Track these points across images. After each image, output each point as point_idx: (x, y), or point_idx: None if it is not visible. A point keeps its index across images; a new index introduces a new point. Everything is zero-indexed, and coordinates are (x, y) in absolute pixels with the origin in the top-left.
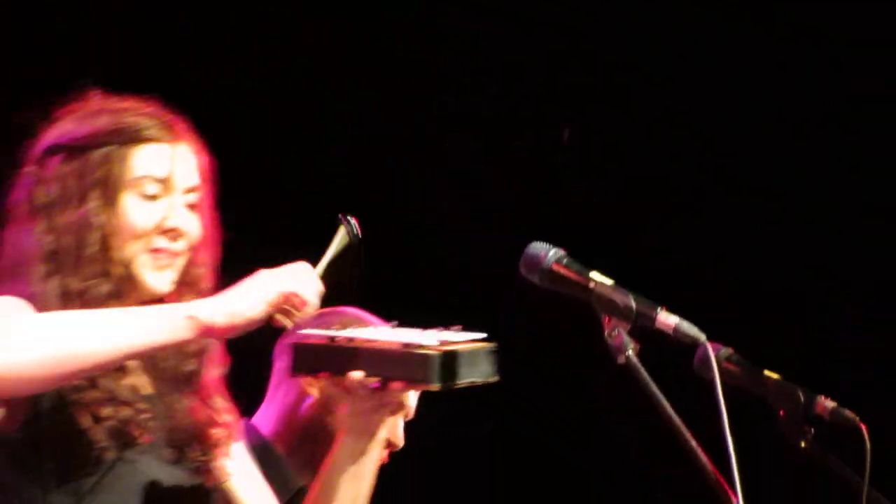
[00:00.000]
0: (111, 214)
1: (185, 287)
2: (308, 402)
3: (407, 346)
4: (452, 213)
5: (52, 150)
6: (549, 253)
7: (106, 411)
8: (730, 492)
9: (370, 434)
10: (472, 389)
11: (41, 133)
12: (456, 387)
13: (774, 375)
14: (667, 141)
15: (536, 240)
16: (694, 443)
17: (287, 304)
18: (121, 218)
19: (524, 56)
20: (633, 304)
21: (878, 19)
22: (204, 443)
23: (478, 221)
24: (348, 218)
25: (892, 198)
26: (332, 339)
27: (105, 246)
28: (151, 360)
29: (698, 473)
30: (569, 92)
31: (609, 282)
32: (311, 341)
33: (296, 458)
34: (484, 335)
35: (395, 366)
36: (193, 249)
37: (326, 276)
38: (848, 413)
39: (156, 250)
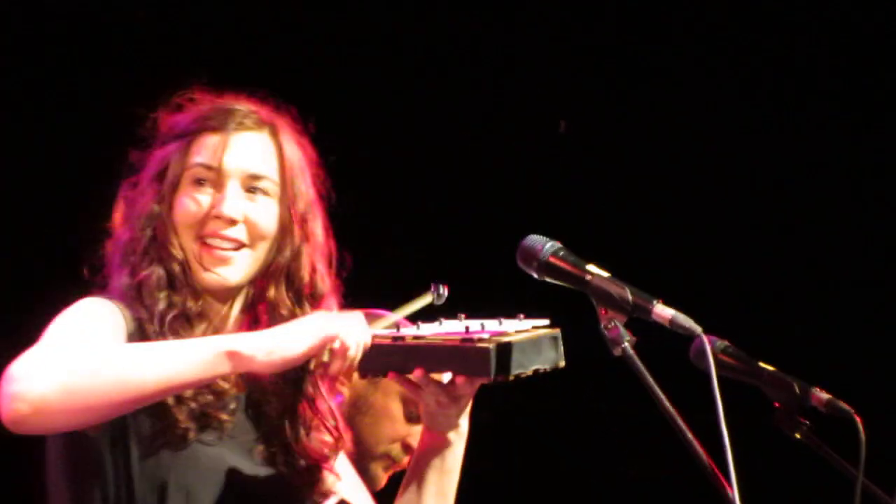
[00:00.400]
0: (170, 206)
1: (273, 279)
2: (338, 400)
3: (465, 340)
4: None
5: (145, 143)
6: (545, 245)
7: (189, 394)
8: (725, 483)
9: (449, 427)
10: (540, 375)
11: (151, 124)
12: (521, 376)
13: (770, 367)
14: (662, 135)
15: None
16: (690, 434)
17: (330, 348)
18: (175, 208)
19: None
20: (630, 297)
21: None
22: (298, 449)
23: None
24: (440, 286)
25: (883, 190)
26: (395, 338)
27: (160, 236)
28: None
29: (694, 464)
30: (566, 83)
31: (605, 274)
32: (375, 342)
33: None
34: (546, 322)
35: (454, 361)
36: (266, 240)
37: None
38: (843, 405)
39: (208, 242)
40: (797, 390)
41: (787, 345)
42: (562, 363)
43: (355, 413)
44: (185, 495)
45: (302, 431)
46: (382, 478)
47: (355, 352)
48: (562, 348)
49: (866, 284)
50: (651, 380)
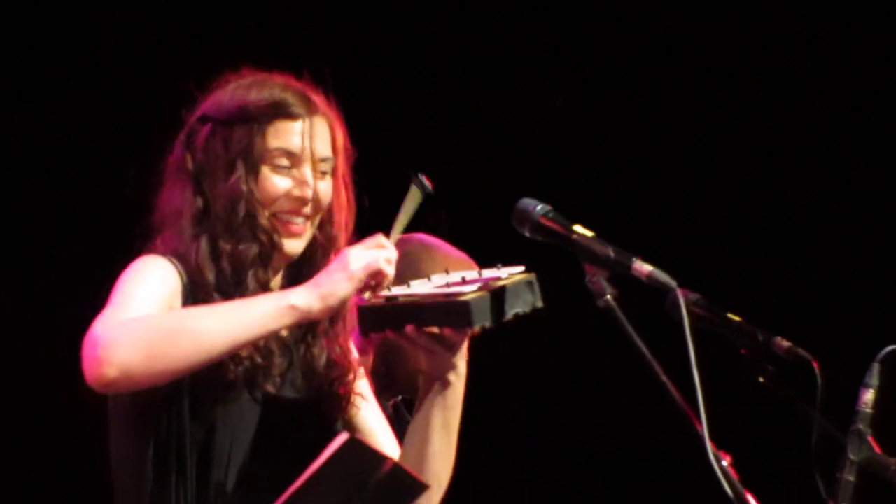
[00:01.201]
0: (254, 185)
1: (320, 247)
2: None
3: (447, 296)
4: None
5: (204, 120)
6: (536, 207)
7: (244, 353)
8: (696, 421)
9: (448, 370)
10: (521, 318)
11: (198, 102)
12: (503, 321)
13: (737, 318)
14: (645, 102)
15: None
16: (665, 377)
17: (371, 280)
18: (261, 188)
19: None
20: (612, 254)
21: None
22: (336, 383)
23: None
24: (418, 174)
25: (853, 146)
26: (389, 298)
27: (251, 213)
28: None
29: (669, 404)
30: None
31: (590, 234)
32: (371, 304)
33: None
34: (522, 268)
35: (440, 315)
36: (327, 212)
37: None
38: (802, 352)
39: (287, 220)
40: (761, 338)
41: (753, 299)
42: (539, 304)
43: (392, 360)
44: (229, 443)
45: (333, 369)
46: None
47: (392, 271)
48: (538, 291)
49: (827, 246)
50: (630, 328)
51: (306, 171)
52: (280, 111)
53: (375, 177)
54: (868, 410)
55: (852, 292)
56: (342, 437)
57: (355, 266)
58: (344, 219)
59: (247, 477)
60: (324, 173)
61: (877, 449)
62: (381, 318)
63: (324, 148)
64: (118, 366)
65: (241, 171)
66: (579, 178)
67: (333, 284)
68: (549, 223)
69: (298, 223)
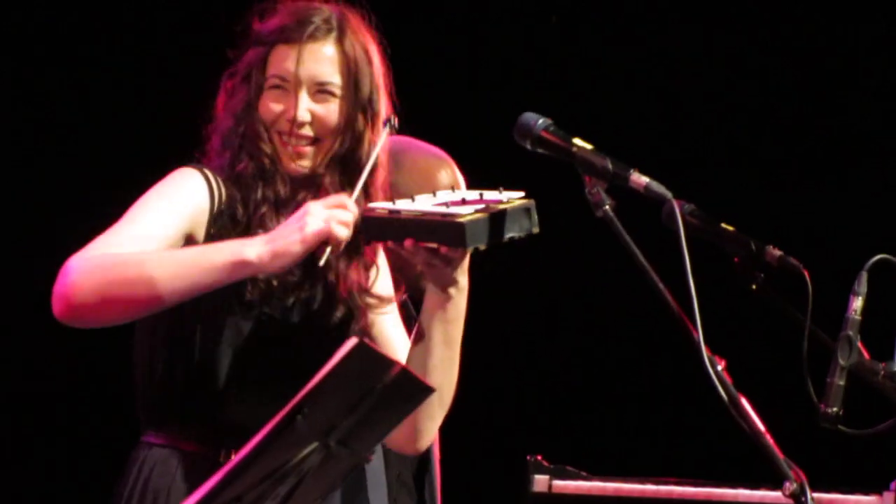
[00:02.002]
0: (255, 106)
1: (329, 167)
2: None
3: (444, 216)
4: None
5: (239, 47)
6: (538, 122)
7: (262, 275)
8: (691, 327)
9: (448, 284)
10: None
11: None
12: (498, 243)
13: (730, 228)
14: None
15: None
16: (662, 285)
17: (325, 239)
18: (261, 110)
19: None
20: (610, 166)
21: None
22: (354, 298)
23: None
24: (389, 118)
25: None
26: (391, 211)
27: (253, 133)
28: None
29: (665, 311)
30: None
31: (589, 147)
32: (375, 214)
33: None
34: (522, 193)
35: (437, 233)
36: (332, 134)
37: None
38: (793, 260)
39: (284, 139)
40: (753, 247)
41: (746, 209)
42: (536, 230)
43: (400, 260)
44: (240, 354)
45: (351, 289)
46: None
47: (347, 233)
48: (535, 217)
49: (818, 157)
50: (628, 237)
51: (300, 96)
52: (279, 37)
53: None
54: (857, 317)
55: (842, 202)
56: (351, 342)
57: (308, 230)
58: (348, 141)
59: (259, 387)
60: (325, 97)
61: (865, 355)
62: (383, 229)
63: (321, 73)
64: (71, 305)
65: (245, 93)
66: (580, 94)
67: (287, 244)
68: (549, 136)
69: (301, 144)
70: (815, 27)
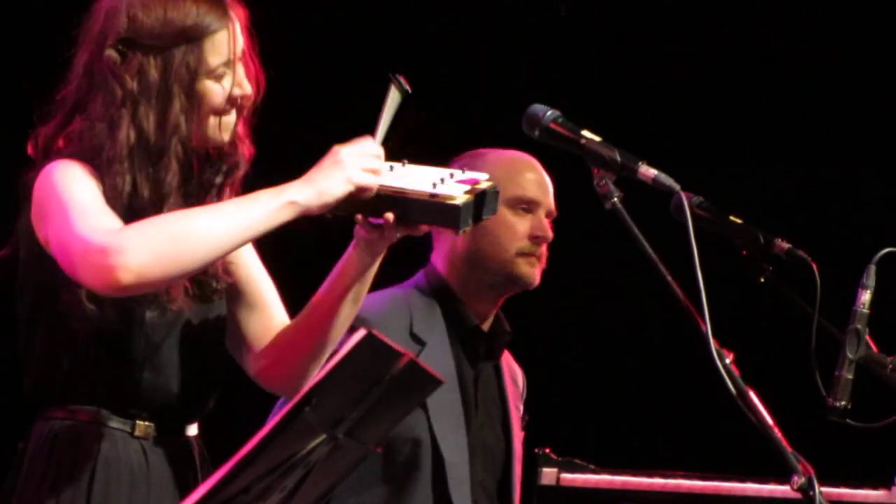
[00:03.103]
0: (193, 106)
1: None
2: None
3: (434, 196)
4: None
5: (129, 44)
6: (546, 113)
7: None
8: (699, 319)
9: (378, 252)
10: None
11: (102, 14)
12: (475, 224)
13: (738, 220)
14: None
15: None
16: (670, 278)
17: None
18: (202, 104)
19: None
20: (619, 158)
21: None
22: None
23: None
24: (396, 75)
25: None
26: (381, 186)
27: (182, 142)
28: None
29: (673, 304)
30: None
31: (598, 139)
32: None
33: None
34: (487, 175)
35: (425, 212)
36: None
37: (388, 136)
38: (801, 252)
39: (224, 118)
40: (762, 239)
41: (754, 202)
42: (497, 212)
43: (477, 237)
44: (143, 343)
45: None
46: (535, 274)
47: (376, 180)
48: (499, 199)
49: (826, 149)
50: (636, 229)
51: (238, 71)
52: (208, 28)
53: (355, 77)
54: (865, 310)
55: (850, 195)
56: (360, 333)
57: (354, 171)
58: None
59: (165, 358)
60: (245, 66)
61: (873, 348)
62: (359, 201)
63: (241, 41)
64: (135, 272)
65: (178, 96)
66: (590, 86)
67: (331, 183)
68: (558, 128)
69: (234, 117)
70: (821, 24)
